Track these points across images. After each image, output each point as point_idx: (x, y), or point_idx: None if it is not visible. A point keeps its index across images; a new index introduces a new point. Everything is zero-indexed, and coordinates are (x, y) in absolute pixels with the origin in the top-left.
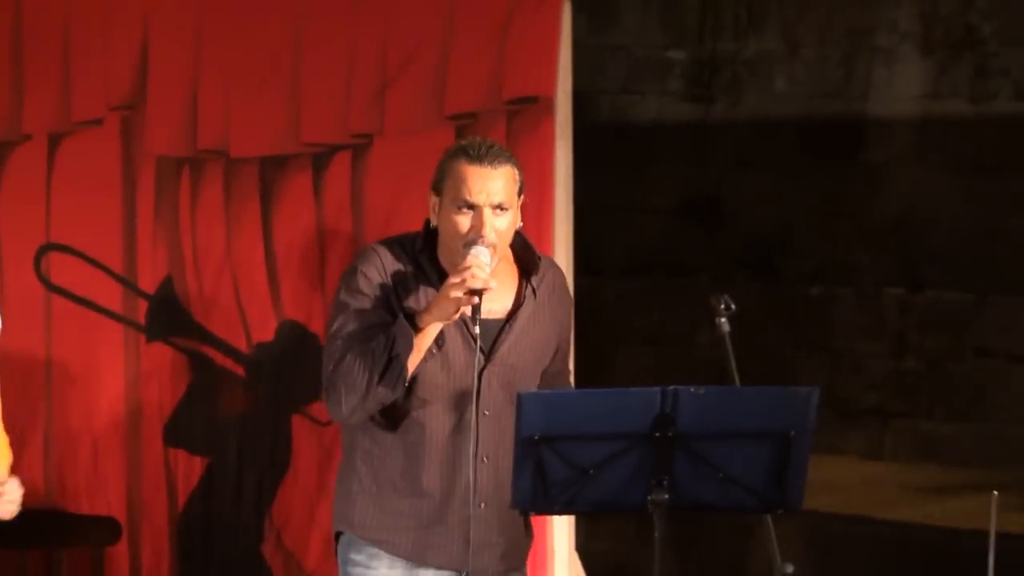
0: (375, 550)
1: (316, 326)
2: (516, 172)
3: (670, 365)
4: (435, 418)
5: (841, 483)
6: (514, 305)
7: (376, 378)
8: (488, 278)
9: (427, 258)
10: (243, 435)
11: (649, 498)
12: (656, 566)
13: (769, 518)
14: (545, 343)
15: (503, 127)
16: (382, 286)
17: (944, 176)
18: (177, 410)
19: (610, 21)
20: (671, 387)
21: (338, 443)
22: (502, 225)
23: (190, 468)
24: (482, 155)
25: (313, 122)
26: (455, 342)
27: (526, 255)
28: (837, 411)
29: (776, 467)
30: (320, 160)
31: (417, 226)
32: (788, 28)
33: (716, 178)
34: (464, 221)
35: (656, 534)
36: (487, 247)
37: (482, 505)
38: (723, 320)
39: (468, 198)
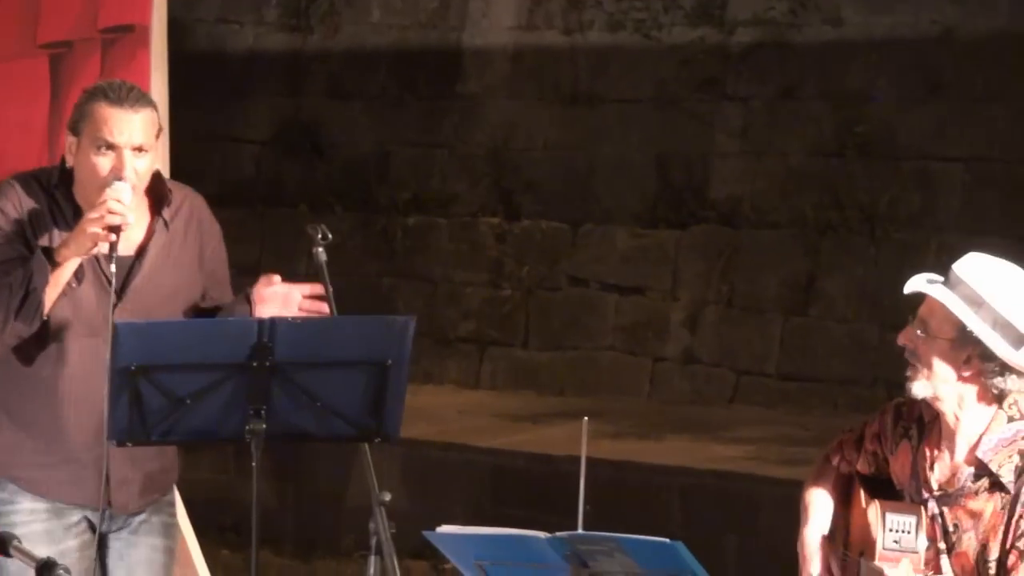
0: (16, 487)
1: None
2: (156, 115)
3: None
4: (68, 356)
5: (439, 411)
6: (144, 240)
7: (13, 312)
8: (126, 214)
9: (62, 194)
10: None
11: (247, 428)
12: (254, 496)
13: (367, 447)
14: (185, 278)
15: (98, 56)
16: (18, 221)
17: (538, 106)
18: None
19: None
20: (268, 317)
21: None
22: (141, 167)
23: None
24: (122, 97)
25: None
26: (87, 280)
27: (158, 188)
28: (435, 340)
29: (374, 396)
30: None
31: (10, 153)
32: None
33: (313, 108)
34: (104, 162)
35: (254, 464)
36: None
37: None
38: (320, 250)
39: (108, 139)
